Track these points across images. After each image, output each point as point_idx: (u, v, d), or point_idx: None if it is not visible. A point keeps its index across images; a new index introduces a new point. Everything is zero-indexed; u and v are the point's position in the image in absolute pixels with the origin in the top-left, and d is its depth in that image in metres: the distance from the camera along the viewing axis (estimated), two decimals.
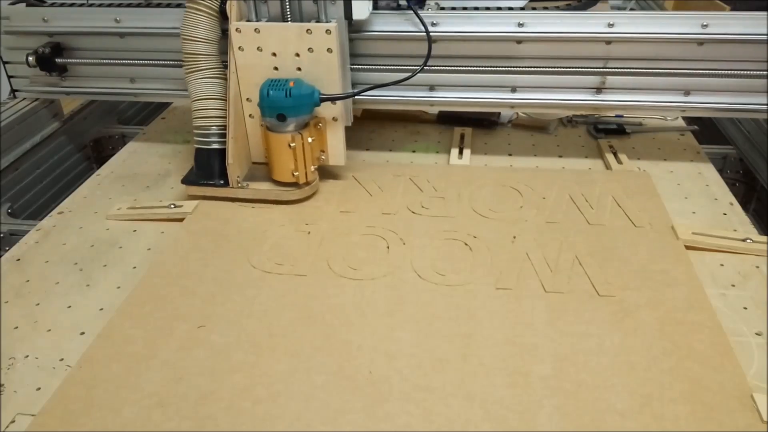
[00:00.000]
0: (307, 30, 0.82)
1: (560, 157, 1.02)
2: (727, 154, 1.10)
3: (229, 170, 0.87)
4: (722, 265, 0.76)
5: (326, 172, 0.94)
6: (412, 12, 0.89)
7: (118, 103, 1.32)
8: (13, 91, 1.10)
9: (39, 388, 0.62)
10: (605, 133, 1.07)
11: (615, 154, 1.00)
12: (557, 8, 1.07)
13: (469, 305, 0.69)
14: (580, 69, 0.91)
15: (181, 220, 0.86)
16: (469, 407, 0.57)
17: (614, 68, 0.90)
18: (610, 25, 0.87)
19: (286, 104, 0.81)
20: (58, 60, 1.02)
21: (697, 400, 0.57)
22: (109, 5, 1.02)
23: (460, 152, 1.03)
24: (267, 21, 0.85)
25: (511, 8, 0.96)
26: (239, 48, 0.84)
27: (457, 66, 0.93)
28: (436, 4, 0.98)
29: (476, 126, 1.11)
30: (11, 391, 0.62)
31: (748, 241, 0.78)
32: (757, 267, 0.75)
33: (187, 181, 0.90)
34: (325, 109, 0.87)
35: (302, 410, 0.58)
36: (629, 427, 0.55)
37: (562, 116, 1.11)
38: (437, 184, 0.92)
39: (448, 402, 0.58)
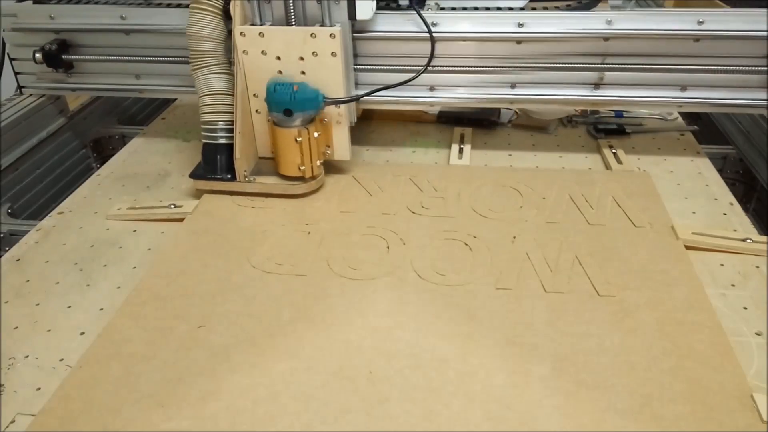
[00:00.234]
0: (312, 34, 0.82)
1: (560, 157, 1.02)
2: (727, 154, 1.10)
3: (237, 165, 0.88)
4: (722, 265, 0.76)
5: (327, 169, 0.94)
6: (414, 12, 0.89)
7: (120, 101, 1.33)
8: (20, 87, 1.11)
9: (39, 388, 0.62)
10: (605, 133, 1.07)
11: (615, 154, 1.00)
12: (557, 8, 1.07)
13: (469, 305, 0.69)
14: (578, 65, 0.91)
15: (181, 220, 0.86)
16: (469, 407, 0.57)
17: (612, 64, 0.91)
18: (608, 22, 0.88)
19: (290, 106, 0.83)
20: (64, 56, 1.03)
21: (697, 400, 0.57)
22: (115, 2, 1.03)
23: (460, 152, 1.03)
24: (271, 24, 0.85)
25: (511, 8, 0.96)
26: (243, 51, 0.85)
27: (457, 66, 0.93)
28: (436, 4, 0.97)
29: (476, 126, 1.11)
30: (11, 391, 0.62)
31: (748, 241, 0.78)
32: (757, 267, 0.75)
33: (194, 175, 0.91)
34: (330, 110, 0.88)
35: (302, 410, 0.58)
36: (629, 427, 0.55)
37: (562, 115, 1.11)
38: (437, 184, 0.92)
39: (448, 402, 0.58)
